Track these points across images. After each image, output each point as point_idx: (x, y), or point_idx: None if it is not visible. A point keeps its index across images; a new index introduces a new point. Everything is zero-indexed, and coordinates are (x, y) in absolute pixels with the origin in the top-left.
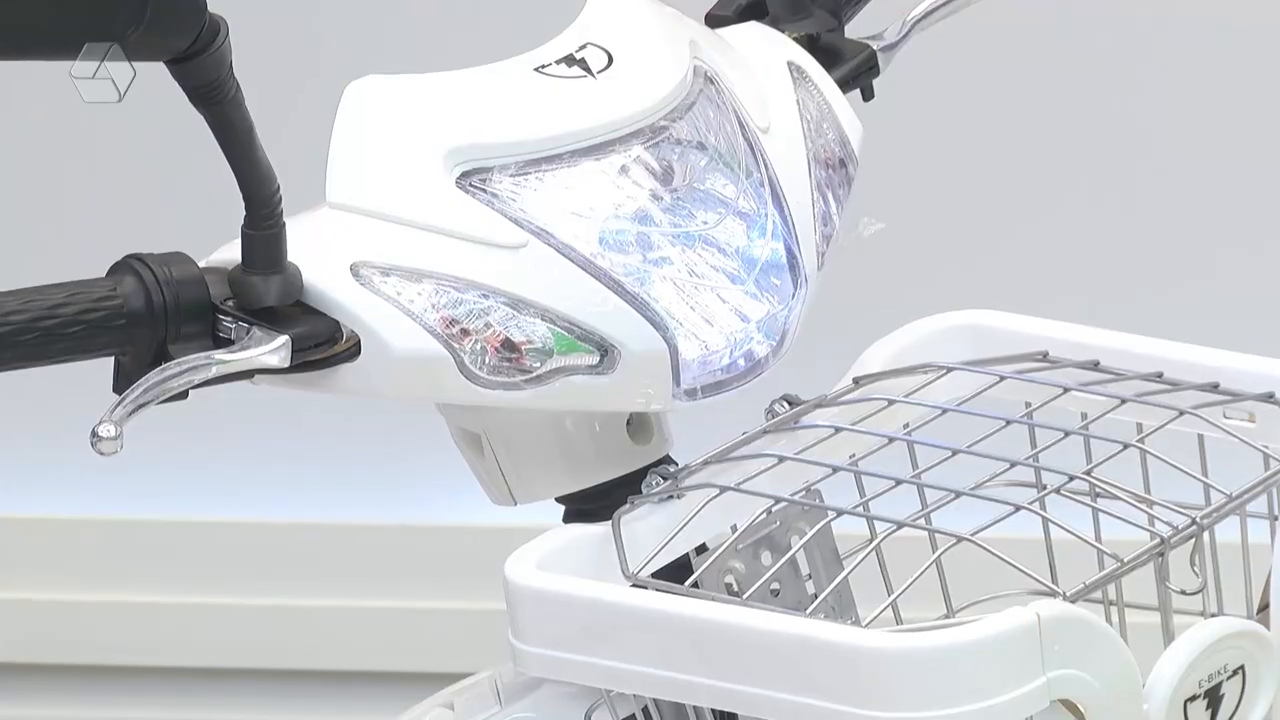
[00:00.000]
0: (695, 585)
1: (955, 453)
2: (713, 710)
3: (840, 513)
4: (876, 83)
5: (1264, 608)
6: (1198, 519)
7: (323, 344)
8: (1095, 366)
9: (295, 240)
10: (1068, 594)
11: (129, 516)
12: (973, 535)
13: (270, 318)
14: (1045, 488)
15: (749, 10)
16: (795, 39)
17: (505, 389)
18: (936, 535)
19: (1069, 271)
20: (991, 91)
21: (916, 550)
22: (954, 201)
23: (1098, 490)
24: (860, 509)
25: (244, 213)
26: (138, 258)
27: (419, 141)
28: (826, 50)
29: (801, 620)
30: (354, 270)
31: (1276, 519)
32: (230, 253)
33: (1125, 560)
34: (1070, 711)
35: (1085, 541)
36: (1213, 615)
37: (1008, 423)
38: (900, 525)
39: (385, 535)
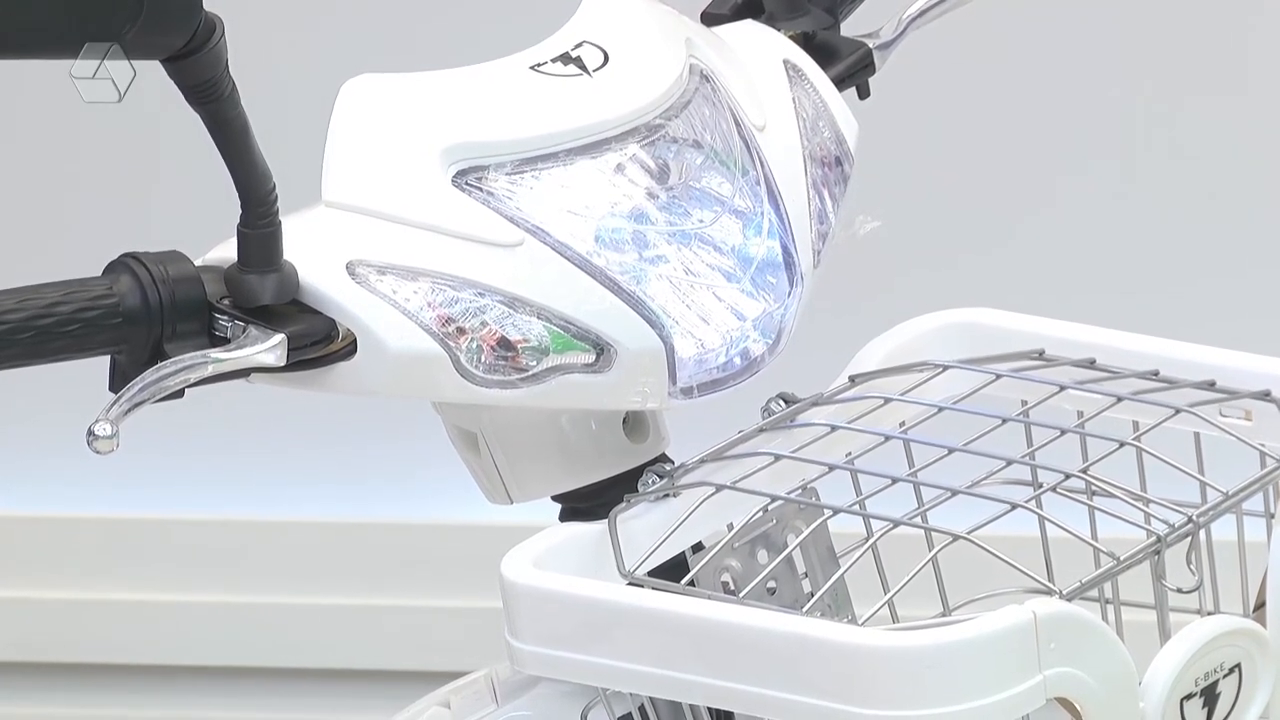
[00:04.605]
0: (692, 584)
1: (951, 451)
2: (709, 709)
3: (837, 511)
4: (872, 81)
5: (1260, 606)
6: (1194, 517)
7: (319, 342)
8: (1091, 365)
9: (291, 239)
10: (1064, 592)
11: (129, 516)
12: (969, 533)
13: (266, 316)
14: (1041, 486)
15: (745, 8)
16: (791, 37)
17: (501, 387)
18: (933, 533)
19: (1065, 270)
20: (987, 90)
21: (913, 548)
22: (950, 199)
23: (1094, 488)
24: (856, 507)
25: (240, 211)
26: (134, 256)
27: (415, 140)
28: (822, 48)
29: (798, 619)
30: (350, 269)
31: (1273, 517)
32: (226, 251)
33: (1121, 558)
34: (1067, 709)
35: (1081, 540)
36: (1209, 613)
37: (1004, 421)
38: (896, 523)
39: (381, 533)
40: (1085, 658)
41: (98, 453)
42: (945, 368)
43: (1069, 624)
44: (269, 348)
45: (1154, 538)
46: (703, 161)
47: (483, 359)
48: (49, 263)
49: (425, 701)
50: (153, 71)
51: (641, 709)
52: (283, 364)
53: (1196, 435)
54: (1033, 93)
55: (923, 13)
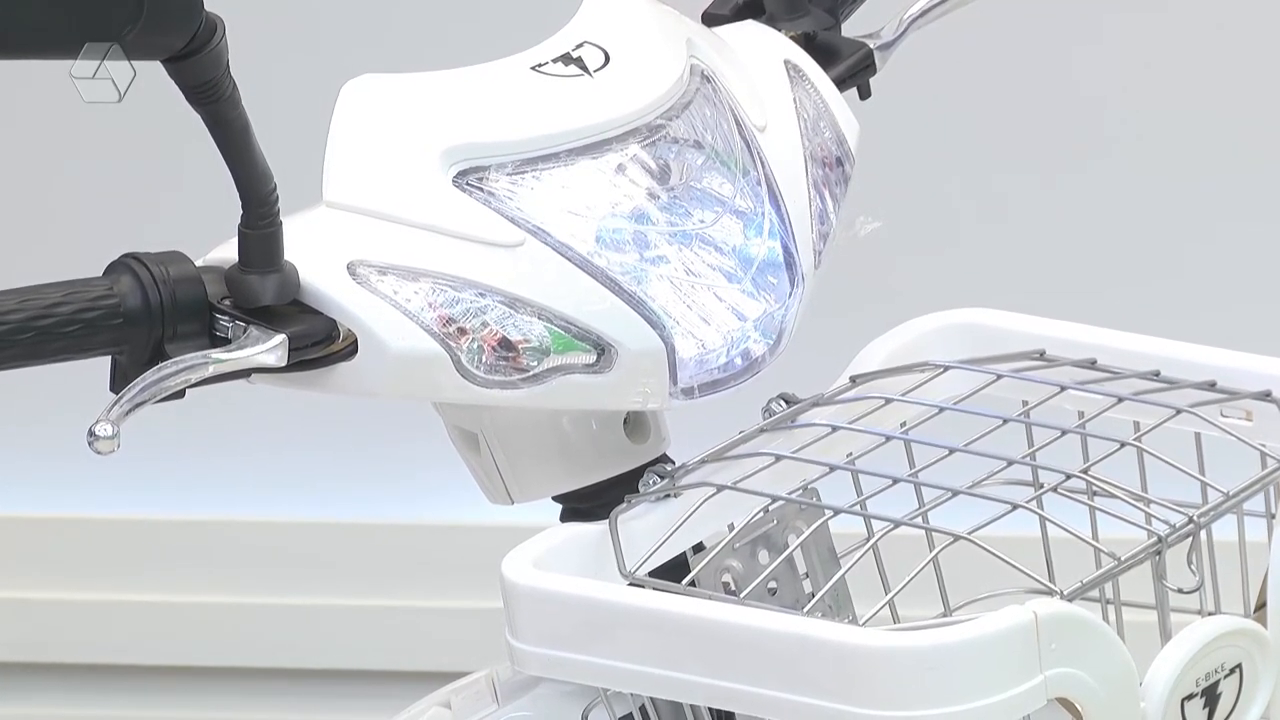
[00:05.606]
0: (692, 584)
1: (952, 451)
2: (710, 709)
3: (837, 511)
4: (873, 81)
5: (1261, 606)
6: (1195, 517)
7: (320, 343)
8: (1092, 365)
9: (292, 239)
10: (1065, 592)
11: (129, 516)
12: (970, 534)
13: (267, 317)
14: (1042, 486)
15: (746, 9)
16: (792, 37)
17: (502, 388)
18: (934, 534)
19: (1066, 270)
20: (987, 90)
21: (914, 549)
22: (951, 200)
23: (1095, 489)
24: (857, 508)
25: (241, 211)
26: (134, 256)
27: (416, 140)
28: (823, 49)
29: (799, 619)
30: (351, 269)
31: (1273, 517)
32: (227, 252)
33: (1122, 559)
34: (1068, 710)
35: (1082, 540)
36: (1210, 614)
37: (1005, 421)
38: (897, 524)
39: (382, 534)
40: (1086, 658)
41: (98, 453)
42: (946, 368)
43: (1070, 624)
44: (270, 348)
45: (1155, 538)
46: (704, 162)
47: (484, 359)
48: (49, 263)
49: (426, 702)
50: (153, 71)
51: (642, 709)
52: (284, 364)
53: (1197, 435)
54: (1033, 93)
55: (924, 13)
